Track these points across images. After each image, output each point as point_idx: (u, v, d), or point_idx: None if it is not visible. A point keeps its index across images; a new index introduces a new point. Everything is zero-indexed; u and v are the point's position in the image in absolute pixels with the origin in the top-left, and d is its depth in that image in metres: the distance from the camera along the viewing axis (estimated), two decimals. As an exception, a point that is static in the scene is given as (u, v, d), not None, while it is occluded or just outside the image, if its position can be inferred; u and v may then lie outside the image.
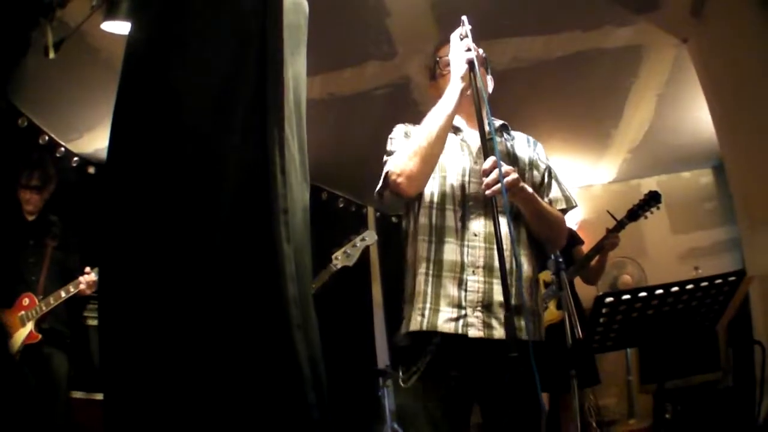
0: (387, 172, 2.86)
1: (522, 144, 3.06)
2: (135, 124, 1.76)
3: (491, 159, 2.63)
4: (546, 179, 3.02)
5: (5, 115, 5.23)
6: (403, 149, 2.87)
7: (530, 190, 2.82)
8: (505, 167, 2.64)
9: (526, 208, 2.83)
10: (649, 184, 7.55)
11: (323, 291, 5.32)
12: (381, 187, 2.93)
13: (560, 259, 4.14)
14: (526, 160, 3.01)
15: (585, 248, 5.73)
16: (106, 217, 1.79)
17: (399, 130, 3.06)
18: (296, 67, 1.86)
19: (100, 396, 4.85)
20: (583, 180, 7.86)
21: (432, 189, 2.90)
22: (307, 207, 1.81)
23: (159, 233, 1.66)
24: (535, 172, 3.02)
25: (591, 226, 6.94)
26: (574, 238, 5.85)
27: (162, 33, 1.82)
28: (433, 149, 2.77)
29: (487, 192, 2.60)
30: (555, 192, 3.01)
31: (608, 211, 5.57)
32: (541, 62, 5.44)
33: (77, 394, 5.03)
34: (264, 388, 1.59)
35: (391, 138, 3.05)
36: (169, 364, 1.60)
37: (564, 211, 3.01)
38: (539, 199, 2.88)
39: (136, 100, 1.78)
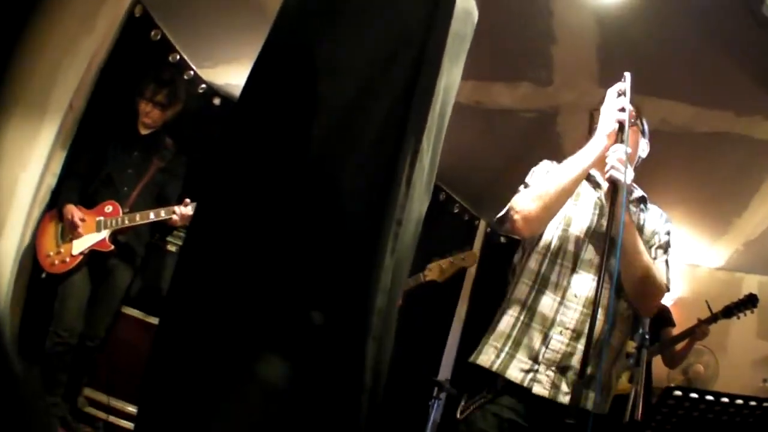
0: (509, 207, 2.83)
1: (654, 218, 2.97)
2: (273, 83, 1.74)
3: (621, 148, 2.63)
4: (655, 252, 2.91)
5: (138, 24, 5.06)
6: (531, 188, 2.84)
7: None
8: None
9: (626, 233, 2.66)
10: (751, 281, 7.38)
11: (407, 293, 5.28)
12: (502, 215, 2.89)
13: (647, 336, 4.07)
14: (650, 232, 2.93)
15: (675, 331, 5.77)
16: (221, 159, 1.77)
17: (543, 166, 3.01)
18: (451, 77, 1.81)
19: (154, 320, 4.87)
20: (693, 258, 7.69)
21: (551, 238, 2.86)
22: (422, 220, 1.77)
23: (268, 195, 1.64)
24: (652, 241, 2.92)
25: (686, 306, 6.87)
26: (666, 319, 5.85)
27: (319, 6, 1.78)
28: (558, 198, 2.73)
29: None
30: (660, 268, 2.87)
31: (706, 302, 5.63)
32: (687, 131, 5.33)
33: (135, 313, 4.95)
34: (322, 386, 1.58)
35: (533, 171, 3.01)
36: (232, 326, 1.58)
37: None
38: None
39: (278, 61, 1.77)
